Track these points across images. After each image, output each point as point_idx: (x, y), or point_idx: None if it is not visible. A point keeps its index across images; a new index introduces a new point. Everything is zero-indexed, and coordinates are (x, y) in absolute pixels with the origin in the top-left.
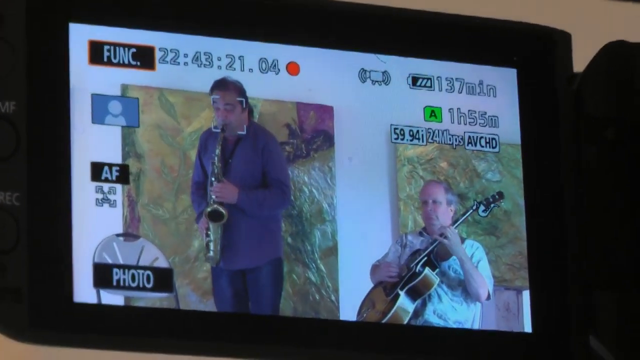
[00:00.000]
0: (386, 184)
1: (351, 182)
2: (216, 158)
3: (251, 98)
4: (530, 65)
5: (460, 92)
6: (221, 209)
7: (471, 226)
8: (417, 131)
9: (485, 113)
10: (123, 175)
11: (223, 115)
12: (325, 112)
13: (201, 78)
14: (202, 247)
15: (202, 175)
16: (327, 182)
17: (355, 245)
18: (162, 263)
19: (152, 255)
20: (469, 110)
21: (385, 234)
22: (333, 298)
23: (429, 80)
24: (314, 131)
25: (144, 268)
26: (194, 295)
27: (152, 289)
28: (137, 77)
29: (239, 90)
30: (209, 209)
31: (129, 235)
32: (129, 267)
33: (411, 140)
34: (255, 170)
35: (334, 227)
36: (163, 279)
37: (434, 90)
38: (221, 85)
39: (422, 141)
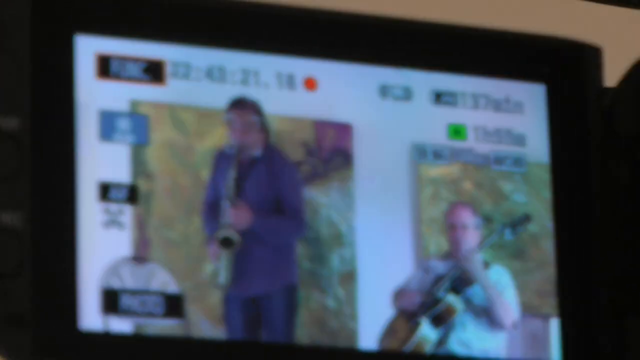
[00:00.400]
0: (408, 205)
1: (371, 203)
2: (230, 180)
3: (267, 116)
4: (560, 81)
5: (486, 109)
6: (233, 236)
7: (497, 250)
8: (441, 150)
9: (512, 131)
10: (132, 195)
11: (238, 135)
12: (344, 130)
13: (214, 94)
14: (214, 272)
15: (215, 197)
16: (345, 204)
17: (376, 270)
18: (173, 288)
19: (163, 280)
20: (494, 128)
21: (407, 259)
22: (352, 325)
23: (453, 97)
24: (333, 150)
25: (154, 293)
26: (206, 321)
27: (163, 316)
28: (147, 92)
29: (256, 109)
30: (220, 235)
31: (138, 258)
32: (139, 293)
33: (434, 160)
34: (270, 195)
35: (353, 251)
36: (174, 305)
37: (458, 107)
38: (238, 104)
39: (446, 161)
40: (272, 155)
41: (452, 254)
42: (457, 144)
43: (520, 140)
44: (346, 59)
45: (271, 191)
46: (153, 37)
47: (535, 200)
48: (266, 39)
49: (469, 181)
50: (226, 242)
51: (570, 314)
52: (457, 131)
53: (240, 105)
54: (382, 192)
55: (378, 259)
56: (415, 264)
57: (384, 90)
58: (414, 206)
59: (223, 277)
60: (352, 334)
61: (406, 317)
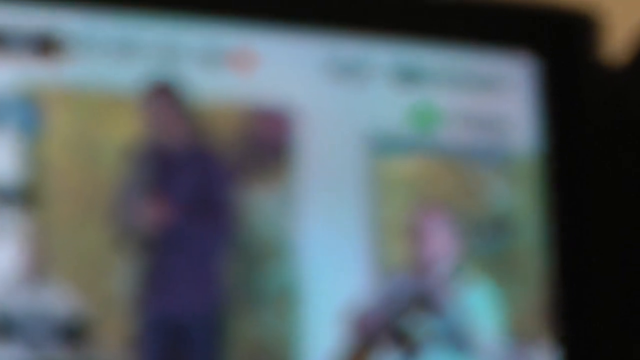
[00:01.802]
0: (362, 208)
1: (317, 205)
2: (146, 175)
3: (190, 102)
4: (552, 56)
5: (460, 89)
6: (150, 236)
7: (474, 263)
8: (403, 140)
9: (492, 115)
10: (22, 198)
11: (155, 126)
12: (283, 117)
13: (125, 74)
14: (124, 285)
15: (128, 196)
16: (286, 206)
17: (324, 288)
18: (73, 310)
19: (61, 300)
20: (470, 112)
21: (363, 273)
22: (293, 354)
23: (420, 73)
24: (270, 142)
25: (51, 318)
26: (113, 353)
27: (62, 345)
28: (40, 71)
29: (176, 94)
30: (135, 237)
31: (30, 275)
32: (31, 318)
33: (395, 152)
34: (194, 195)
35: (296, 264)
36: (75, 332)
37: (425, 86)
38: (154, 88)
39: (409, 153)
40: (195, 149)
41: (418, 267)
42: (424, 132)
43: (503, 126)
44: (286, 27)
45: (195, 190)
46: (46, 2)
47: (522, 199)
48: (188, 3)
49: (439, 177)
50: (143, 243)
51: (570, 339)
52: (423, 117)
53: (157, 89)
54: (331, 192)
55: (327, 273)
56: (374, 280)
57: (333, 67)
58: (370, 209)
59: (136, 290)
60: None
61: (364, 349)
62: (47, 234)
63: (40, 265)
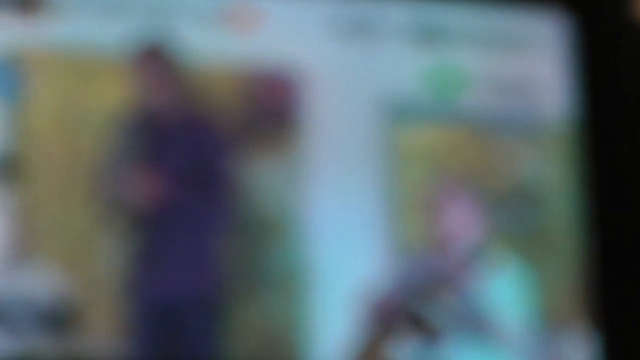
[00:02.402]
0: (378, 182)
1: (328, 179)
2: (137, 144)
3: (186, 65)
4: (586, 14)
5: (487, 50)
6: (142, 211)
7: (501, 242)
8: (421, 106)
9: (522, 79)
10: (5, 171)
11: (147, 91)
12: (288, 82)
13: (112, 35)
14: (114, 265)
15: (117, 167)
16: (292, 180)
17: (336, 268)
18: (61, 292)
19: (48, 281)
20: (498, 75)
21: (378, 253)
22: (302, 343)
23: (441, 33)
24: (274, 109)
25: (38, 302)
26: (106, 333)
27: (50, 331)
28: (23, 32)
29: (169, 56)
30: (125, 212)
31: (14, 256)
32: (15, 304)
33: (414, 120)
34: (189, 163)
35: (303, 243)
36: (62, 319)
37: (448, 47)
38: (145, 50)
39: (430, 121)
40: (190, 116)
41: (437, 246)
42: (444, 97)
43: (530, 90)
44: None
45: (190, 161)
46: None
47: (553, 170)
48: None
49: (461, 147)
50: (135, 217)
51: (607, 324)
52: (444, 80)
53: (147, 51)
54: (342, 164)
55: (338, 252)
56: (389, 259)
57: (344, 26)
58: (384, 182)
59: (129, 268)
60: (304, 356)
61: (381, 336)
62: (31, 210)
63: (24, 244)
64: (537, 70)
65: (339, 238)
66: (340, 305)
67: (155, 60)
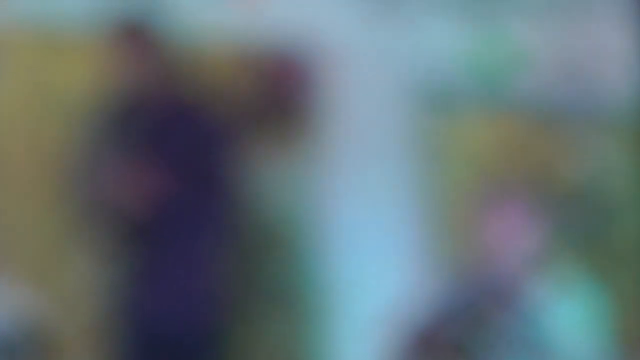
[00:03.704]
0: (412, 183)
1: (352, 179)
2: (124, 134)
3: (179, 43)
4: None
5: (549, 22)
6: (131, 214)
7: (566, 254)
8: (468, 91)
9: (586, 54)
10: None
11: (132, 70)
12: (307, 63)
13: (94, 6)
14: (97, 281)
15: (100, 160)
16: (309, 181)
17: (361, 286)
18: (31, 317)
19: (15, 305)
20: (557, 52)
21: (414, 268)
22: None
23: (490, 2)
24: (288, 95)
25: (3, 332)
26: None
27: None
28: None
29: (157, 32)
30: (110, 214)
31: None
32: None
33: (456, 109)
34: (185, 158)
35: (321, 256)
36: (33, 346)
37: (493, 16)
38: (128, 26)
39: (476, 109)
40: (185, 103)
41: (490, 260)
42: (494, 79)
43: (596, 67)
44: None
45: (185, 156)
46: None
47: (625, 164)
48: None
49: (513, 140)
50: (120, 225)
51: None
52: (494, 58)
53: (130, 27)
54: (368, 161)
55: (364, 268)
56: (425, 276)
57: None
58: (420, 183)
59: (110, 289)
60: None
61: None
62: None
63: None
64: (608, 45)
65: (363, 250)
66: (366, 330)
67: (139, 37)
